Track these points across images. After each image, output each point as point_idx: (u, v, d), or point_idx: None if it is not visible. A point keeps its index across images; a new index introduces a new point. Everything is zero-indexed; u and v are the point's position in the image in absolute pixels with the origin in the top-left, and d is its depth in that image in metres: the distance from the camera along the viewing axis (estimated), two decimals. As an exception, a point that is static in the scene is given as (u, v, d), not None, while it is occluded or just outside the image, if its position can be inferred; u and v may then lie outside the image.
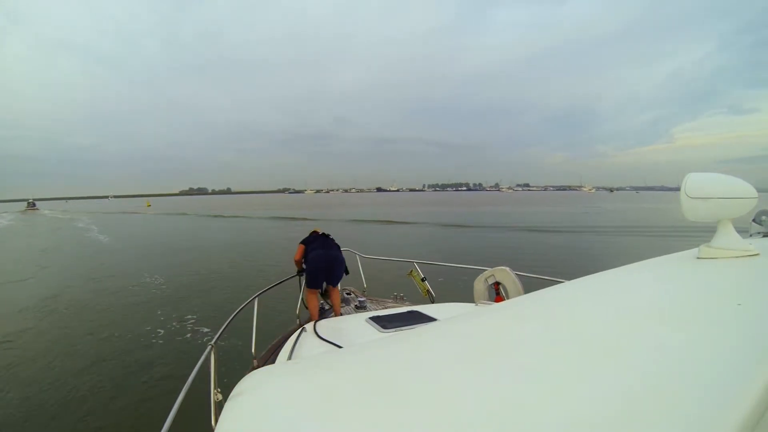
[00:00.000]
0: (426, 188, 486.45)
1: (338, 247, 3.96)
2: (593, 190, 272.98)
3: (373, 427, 0.55)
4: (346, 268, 3.91)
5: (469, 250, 15.01)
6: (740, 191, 1.06)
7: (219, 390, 1.92)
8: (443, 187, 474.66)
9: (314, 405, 0.64)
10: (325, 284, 3.81)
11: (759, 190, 1.08)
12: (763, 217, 1.48)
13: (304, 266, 3.82)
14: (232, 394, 0.76)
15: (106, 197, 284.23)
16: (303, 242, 3.93)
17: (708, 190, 1.09)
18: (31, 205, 79.47)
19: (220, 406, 1.75)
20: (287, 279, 4.00)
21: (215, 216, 39.09)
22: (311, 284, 3.68)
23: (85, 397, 4.49)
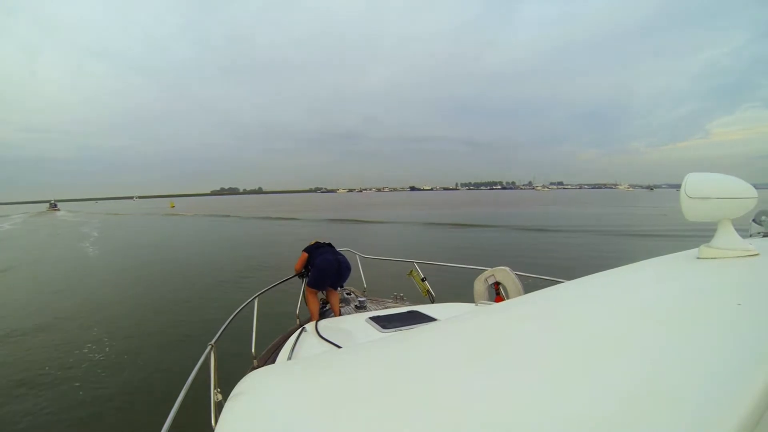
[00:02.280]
0: (459, 187, 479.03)
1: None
2: (631, 189, 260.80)
3: (373, 427, 0.55)
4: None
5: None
6: (740, 191, 1.06)
7: (219, 390, 1.91)
8: (477, 186, 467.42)
9: (314, 405, 0.64)
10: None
11: None
12: (763, 217, 1.48)
13: (309, 269, 3.83)
14: (232, 394, 0.76)
15: (131, 198, 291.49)
16: (306, 250, 3.95)
17: (708, 190, 1.08)
18: (53, 206, 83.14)
19: (220, 406, 1.74)
20: (287, 279, 4.00)
21: (225, 216, 38.88)
22: (315, 285, 3.70)
23: None
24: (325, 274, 3.66)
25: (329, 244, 4.08)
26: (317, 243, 4.07)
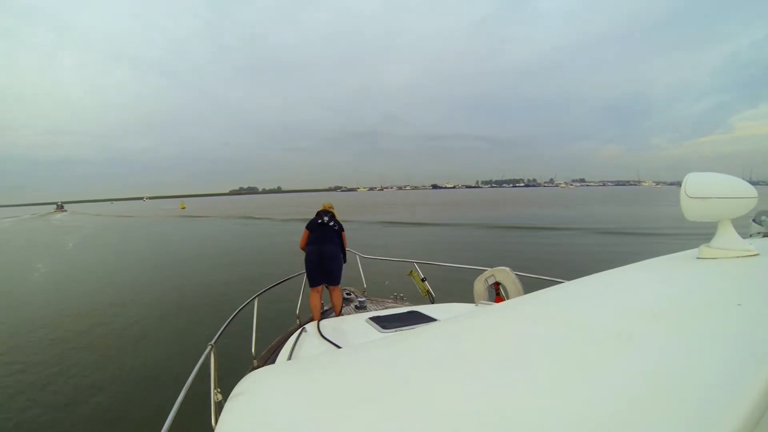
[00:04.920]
0: (481, 184, 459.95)
1: (339, 235, 3.75)
2: (659, 185, 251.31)
3: (373, 428, 0.55)
4: (344, 256, 3.77)
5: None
6: (740, 191, 1.05)
7: (219, 390, 1.92)
8: (499, 183, 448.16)
9: (314, 405, 0.64)
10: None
11: None
12: (763, 217, 1.48)
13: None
14: (232, 394, 0.76)
15: (141, 198, 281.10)
16: (308, 227, 3.75)
17: (707, 190, 1.08)
18: (60, 207, 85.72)
19: (220, 406, 1.78)
20: (287, 279, 3.99)
21: (225, 217, 38.13)
22: (310, 283, 3.63)
23: None
24: (311, 266, 3.50)
25: (323, 224, 3.72)
26: (318, 214, 3.79)
